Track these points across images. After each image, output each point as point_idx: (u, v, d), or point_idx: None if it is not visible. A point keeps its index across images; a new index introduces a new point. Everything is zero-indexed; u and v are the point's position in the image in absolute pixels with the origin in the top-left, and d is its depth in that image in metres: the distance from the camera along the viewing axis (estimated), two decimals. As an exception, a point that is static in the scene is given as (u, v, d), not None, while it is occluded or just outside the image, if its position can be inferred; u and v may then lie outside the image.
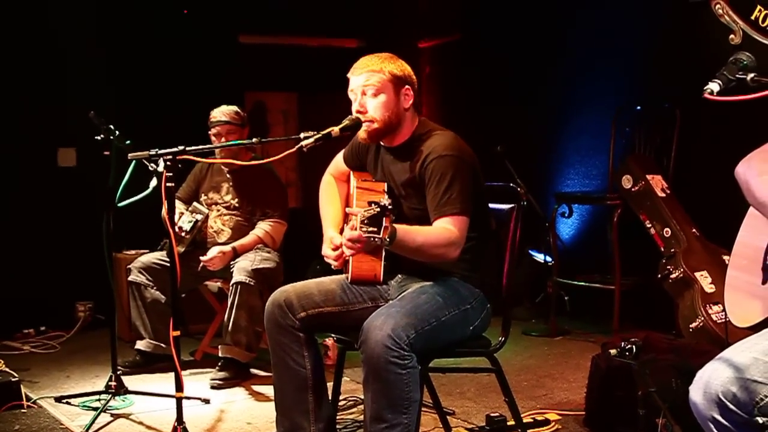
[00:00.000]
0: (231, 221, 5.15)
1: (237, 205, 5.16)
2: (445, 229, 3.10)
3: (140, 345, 5.02)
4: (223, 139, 5.02)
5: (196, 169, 5.31)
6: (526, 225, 3.51)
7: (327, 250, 3.33)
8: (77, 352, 5.64)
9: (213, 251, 4.92)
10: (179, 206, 5.12)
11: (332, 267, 3.34)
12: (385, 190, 3.32)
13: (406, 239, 2.98)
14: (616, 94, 6.19)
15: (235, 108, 5.18)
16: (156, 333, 4.98)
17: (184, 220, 4.99)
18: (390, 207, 2.73)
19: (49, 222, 6.19)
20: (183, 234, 4.97)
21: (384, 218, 2.73)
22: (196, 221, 5.01)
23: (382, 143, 3.38)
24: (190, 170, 5.31)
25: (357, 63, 3.31)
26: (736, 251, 2.92)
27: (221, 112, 5.13)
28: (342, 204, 3.60)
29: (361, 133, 3.29)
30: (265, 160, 3.76)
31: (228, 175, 5.20)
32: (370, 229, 2.74)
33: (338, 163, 3.65)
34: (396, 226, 2.85)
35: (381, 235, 2.73)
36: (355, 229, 2.80)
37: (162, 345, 4.96)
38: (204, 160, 4.62)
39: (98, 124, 4.22)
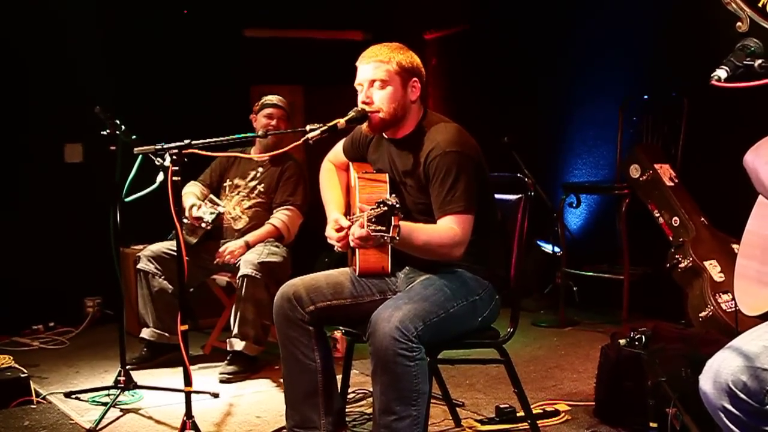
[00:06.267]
0: (250, 210, 5.15)
1: (263, 190, 5.17)
2: (449, 228, 3.10)
3: (145, 333, 5.02)
4: (274, 122, 5.12)
5: (222, 157, 5.30)
6: (534, 216, 3.50)
7: (331, 232, 3.31)
8: (86, 347, 5.65)
9: (226, 248, 4.94)
10: (197, 192, 5.15)
11: (335, 249, 3.32)
12: (387, 180, 3.32)
13: (412, 238, 2.99)
14: (623, 83, 6.17)
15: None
16: (161, 322, 4.98)
17: (205, 211, 4.96)
18: (398, 206, 2.73)
19: (56, 218, 6.19)
20: (203, 225, 4.95)
21: (393, 217, 2.73)
22: (219, 213, 5.00)
23: (385, 135, 3.37)
24: (197, 164, 5.28)
25: (366, 51, 3.31)
26: (746, 240, 2.90)
27: (276, 98, 5.24)
28: (343, 190, 3.60)
29: (365, 126, 3.29)
30: (273, 153, 3.78)
31: (260, 163, 5.21)
32: (378, 227, 2.75)
33: (338, 152, 3.65)
34: (402, 224, 2.84)
35: (390, 234, 2.74)
36: (363, 226, 2.81)
37: (166, 334, 4.97)
38: (210, 153, 4.59)
39: (104, 119, 4.22)
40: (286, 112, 5.23)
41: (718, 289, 4.96)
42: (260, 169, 5.22)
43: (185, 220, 4.99)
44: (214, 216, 4.96)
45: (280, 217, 5.10)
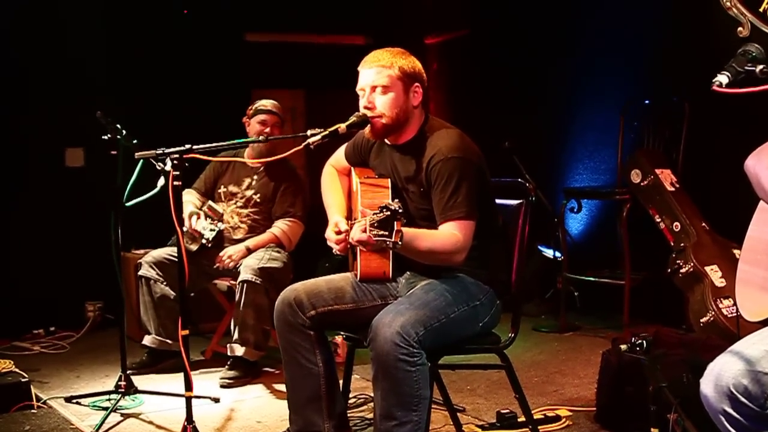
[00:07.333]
0: (248, 219, 5.14)
1: (259, 200, 5.15)
2: (451, 234, 3.10)
3: (147, 340, 5.01)
4: (268, 129, 5.05)
5: (215, 162, 5.24)
6: (535, 221, 3.50)
7: (330, 234, 3.31)
8: (87, 352, 5.65)
9: (225, 252, 4.93)
10: (194, 200, 5.12)
11: (333, 252, 3.32)
12: (389, 186, 3.32)
13: (414, 244, 2.99)
14: (624, 88, 6.17)
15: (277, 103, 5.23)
16: (163, 329, 4.96)
17: (205, 227, 4.91)
18: (401, 211, 2.73)
19: (57, 222, 6.19)
20: (204, 242, 4.92)
21: (395, 222, 2.73)
22: (220, 230, 4.96)
23: (387, 141, 3.37)
24: (197, 168, 5.27)
25: (368, 56, 3.30)
26: (747, 245, 2.90)
27: (270, 103, 5.17)
28: (344, 194, 3.60)
29: (367, 131, 3.29)
30: (267, 159, 3.76)
31: (255, 170, 5.18)
32: (380, 232, 2.75)
33: (340, 157, 3.65)
34: (404, 229, 2.84)
35: (392, 239, 2.74)
36: (365, 231, 2.80)
37: (168, 341, 4.96)
38: (211, 158, 4.60)
39: (105, 124, 4.22)
40: (281, 118, 5.17)
41: (720, 294, 4.95)
42: (255, 177, 5.19)
43: (185, 228, 4.98)
44: (214, 234, 4.92)
45: (281, 226, 5.08)
